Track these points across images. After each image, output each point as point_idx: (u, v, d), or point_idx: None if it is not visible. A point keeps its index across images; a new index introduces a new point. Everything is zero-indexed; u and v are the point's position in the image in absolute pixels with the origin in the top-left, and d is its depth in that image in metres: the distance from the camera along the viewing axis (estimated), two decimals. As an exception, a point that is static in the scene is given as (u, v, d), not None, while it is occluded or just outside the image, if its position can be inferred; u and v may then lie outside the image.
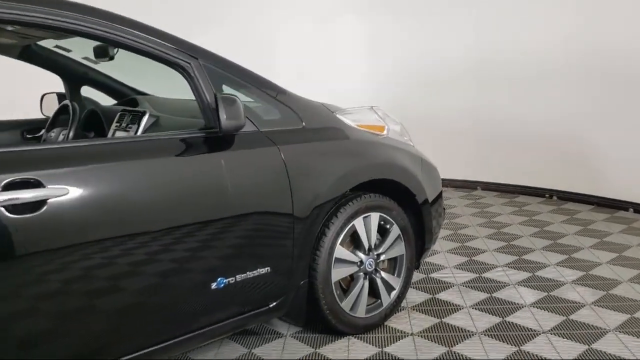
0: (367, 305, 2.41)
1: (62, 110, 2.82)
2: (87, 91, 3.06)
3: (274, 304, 2.12)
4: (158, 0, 4.96)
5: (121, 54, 2.17)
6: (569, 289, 2.83)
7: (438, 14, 5.09)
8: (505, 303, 2.68)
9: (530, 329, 2.41)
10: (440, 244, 3.59)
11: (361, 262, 2.37)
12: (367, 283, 2.39)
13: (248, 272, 1.98)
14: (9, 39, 2.43)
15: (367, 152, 2.42)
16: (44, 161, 1.57)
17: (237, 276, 1.95)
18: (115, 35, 1.74)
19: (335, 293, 2.28)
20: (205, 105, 1.91)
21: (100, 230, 1.63)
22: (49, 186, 1.52)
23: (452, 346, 2.28)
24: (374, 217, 2.38)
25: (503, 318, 2.52)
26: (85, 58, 2.82)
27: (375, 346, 2.32)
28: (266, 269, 2.03)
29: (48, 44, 2.66)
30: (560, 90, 4.51)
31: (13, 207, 1.46)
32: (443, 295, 2.79)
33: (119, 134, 2.41)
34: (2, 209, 1.45)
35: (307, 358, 2.24)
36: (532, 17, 4.60)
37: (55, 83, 3.01)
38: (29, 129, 2.97)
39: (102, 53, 2.31)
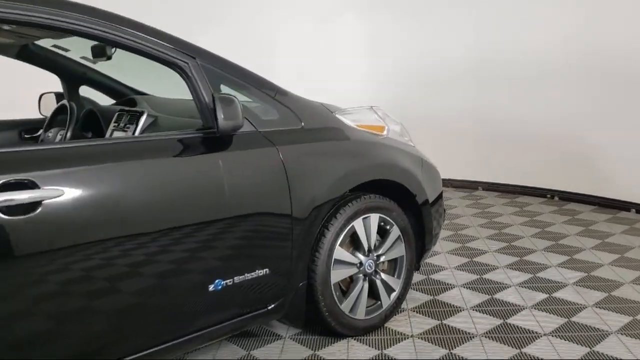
0: (367, 307, 2.39)
1: (59, 110, 2.80)
2: (86, 91, 3.05)
3: (273, 305, 2.10)
4: (158, 0, 4.96)
5: (121, 54, 2.16)
6: (570, 290, 2.81)
7: (438, 14, 5.09)
8: (506, 305, 2.66)
9: (532, 331, 2.39)
10: (441, 244, 3.57)
11: (361, 263, 2.35)
12: (366, 285, 2.37)
13: (246, 274, 1.96)
14: (6, 38, 2.41)
15: (366, 152, 2.40)
16: (39, 162, 1.56)
17: (235, 278, 1.93)
18: (112, 34, 1.72)
19: (334, 295, 2.26)
20: (203, 106, 1.89)
21: (95, 231, 1.61)
22: (43, 187, 1.51)
23: (452, 348, 2.26)
24: (374, 218, 2.36)
25: (504, 320, 2.50)
26: (84, 57, 2.80)
27: (375, 348, 2.30)
28: (264, 270, 2.01)
29: (46, 43, 2.64)
30: (561, 90, 4.50)
31: (7, 209, 1.44)
32: (443, 297, 2.77)
33: (117, 134, 2.39)
34: (-4, 210, 1.43)
35: (306, 360, 2.22)
36: (532, 17, 4.60)
37: (55, 82, 3.00)
38: (27, 129, 2.95)
39: (99, 53, 2.29)
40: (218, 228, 1.87)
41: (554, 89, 4.54)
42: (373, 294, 2.41)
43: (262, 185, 1.99)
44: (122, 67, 2.75)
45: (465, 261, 3.28)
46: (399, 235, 2.46)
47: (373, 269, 2.38)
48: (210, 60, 1.96)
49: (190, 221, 1.80)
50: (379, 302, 2.43)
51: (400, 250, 2.48)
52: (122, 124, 2.37)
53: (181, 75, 1.90)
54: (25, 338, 1.55)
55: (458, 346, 2.28)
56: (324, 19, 5.39)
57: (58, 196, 1.53)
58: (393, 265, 2.50)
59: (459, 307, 2.65)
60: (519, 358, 2.17)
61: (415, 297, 2.77)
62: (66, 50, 2.73)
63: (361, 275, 2.35)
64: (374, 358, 2.22)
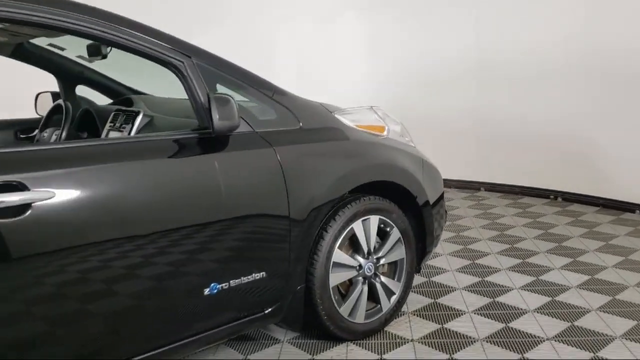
0: (366, 311, 2.35)
1: (55, 110, 2.77)
2: (83, 91, 3.02)
3: (270, 309, 2.06)
4: (158, 0, 4.95)
5: (119, 53, 2.13)
6: (573, 293, 2.77)
7: (438, 13, 5.09)
8: (508, 308, 2.61)
9: (534, 335, 2.34)
10: (442, 246, 3.53)
11: (360, 266, 2.31)
12: (366, 288, 2.32)
13: (242, 277, 1.92)
14: (0, 36, 2.38)
15: (366, 153, 2.36)
16: (29, 163, 1.52)
17: (231, 281, 1.89)
18: (105, 33, 1.69)
19: (333, 298, 2.22)
20: (199, 105, 1.86)
21: (87, 234, 1.57)
22: (33, 189, 1.47)
23: (453, 353, 2.22)
24: (374, 220, 2.32)
25: (506, 324, 2.46)
26: (80, 57, 2.77)
27: (375, 352, 2.26)
28: (261, 273, 1.97)
29: (41, 42, 2.61)
30: (562, 90, 4.49)
31: (-5, 211, 1.41)
32: (444, 300, 2.73)
33: (112, 134, 2.36)
34: (-16, 213, 1.39)
35: (304, 365, 2.18)
36: (532, 17, 4.59)
37: (54, 82, 2.97)
38: (22, 129, 2.93)
39: (95, 52, 2.26)
40: (213, 230, 1.83)
41: (555, 89, 4.52)
42: (373, 297, 2.37)
43: (259, 187, 1.95)
44: (120, 66, 2.72)
45: (467, 263, 3.24)
46: (399, 238, 2.42)
47: (373, 271, 2.34)
48: (206, 59, 1.92)
49: (184, 223, 1.76)
50: (379, 305, 2.39)
51: (400, 253, 2.44)
52: (117, 124, 2.34)
53: (176, 75, 1.87)
54: (15, 342, 1.51)
55: (459, 351, 2.24)
56: (324, 19, 5.38)
57: (48, 198, 1.49)
58: (393, 268, 2.46)
59: (461, 310, 2.61)
60: (522, 363, 2.13)
61: (416, 300, 2.73)
62: (62, 49, 2.70)
63: (360, 278, 2.31)
64: (374, 363, 2.18)
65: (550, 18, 4.47)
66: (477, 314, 2.57)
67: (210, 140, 1.86)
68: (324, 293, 2.18)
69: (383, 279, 2.40)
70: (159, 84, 2.77)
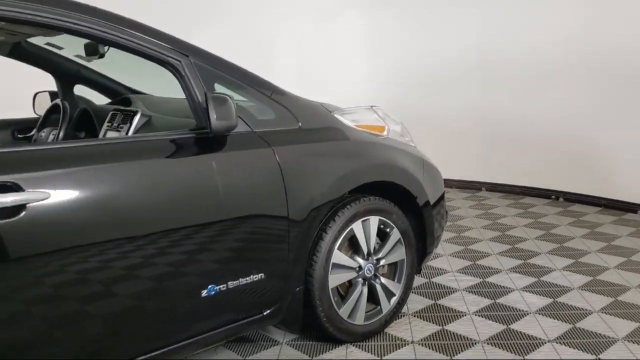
0: (366, 312, 2.32)
1: (53, 110, 2.75)
2: (82, 90, 3.00)
3: (269, 311, 2.04)
4: (158, 0, 4.94)
5: (118, 52, 2.11)
6: (575, 295, 2.74)
7: (438, 13, 5.07)
8: (510, 310, 2.59)
9: (535, 337, 2.32)
10: (443, 246, 3.51)
11: (360, 267, 2.28)
12: (366, 289, 2.30)
13: (240, 279, 1.90)
14: (-2, 36, 2.37)
15: (366, 153, 2.34)
16: (24, 164, 1.50)
17: (228, 283, 1.87)
18: (102, 32, 1.67)
19: (332, 300, 2.20)
20: (196, 105, 1.83)
21: (83, 235, 1.56)
22: (28, 190, 1.45)
23: (453, 355, 2.20)
24: (373, 221, 2.30)
25: (507, 325, 2.43)
26: (78, 56, 2.75)
27: (374, 354, 2.24)
28: (260, 275, 1.95)
29: (39, 41, 2.59)
30: (562, 90, 4.47)
31: (-10, 212, 1.39)
32: (445, 301, 2.71)
33: (110, 134, 2.34)
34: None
35: (303, 367, 2.17)
36: (533, 17, 4.58)
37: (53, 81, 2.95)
38: (20, 129, 2.91)
39: (92, 51, 2.24)
40: (211, 231, 1.81)
41: (555, 89, 4.50)
42: (372, 298, 2.35)
43: (257, 187, 1.93)
44: (120, 65, 2.70)
45: (468, 264, 3.21)
46: (399, 238, 2.40)
47: (372, 273, 2.32)
48: (203, 59, 1.90)
49: (181, 225, 1.74)
50: (379, 307, 2.37)
51: (400, 254, 2.42)
52: (115, 124, 2.32)
53: (174, 74, 1.85)
54: (10, 344, 1.49)
55: (460, 353, 2.22)
56: (324, 19, 5.36)
57: (44, 199, 1.47)
58: (393, 269, 2.44)
59: (461, 312, 2.59)
60: (523, 366, 2.11)
61: (416, 302, 2.71)
62: (60, 48, 2.68)
63: (360, 279, 2.29)
64: (373, 365, 2.16)
65: (550, 18, 4.46)
66: (478, 315, 2.54)
67: (208, 140, 1.84)
68: (323, 294, 2.16)
69: (383, 280, 2.37)
70: (158, 83, 2.75)
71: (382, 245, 2.36)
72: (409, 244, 2.44)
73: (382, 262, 2.36)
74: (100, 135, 2.38)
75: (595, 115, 4.31)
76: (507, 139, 4.86)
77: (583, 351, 2.20)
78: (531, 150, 4.73)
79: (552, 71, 4.49)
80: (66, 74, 2.83)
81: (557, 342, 2.27)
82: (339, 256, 2.20)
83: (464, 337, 2.34)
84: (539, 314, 2.54)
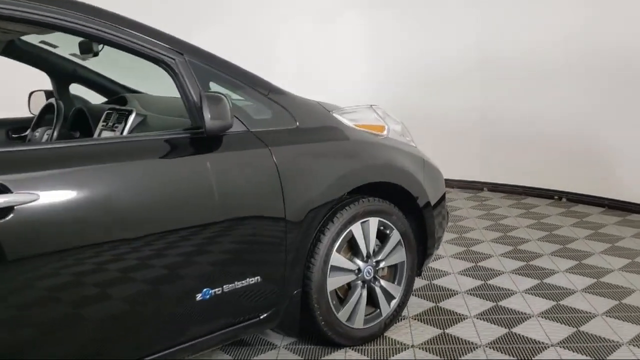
0: (366, 316, 2.28)
1: (47, 109, 2.72)
2: (78, 89, 2.96)
3: (266, 315, 2.00)
4: (158, 0, 4.93)
5: (114, 51, 2.08)
6: (579, 297, 2.69)
7: (438, 13, 5.05)
8: (512, 313, 2.54)
9: (538, 341, 2.27)
10: (444, 248, 3.46)
11: (359, 270, 2.24)
12: (365, 292, 2.26)
13: (236, 282, 1.85)
14: (-9, 34, 2.33)
15: (365, 153, 2.30)
16: (13, 165, 1.46)
17: (224, 286, 1.83)
18: (95, 29, 1.63)
19: (331, 303, 2.15)
20: (191, 104, 1.79)
21: (74, 237, 1.52)
22: (16, 192, 1.41)
23: (455, 359, 2.16)
24: (373, 222, 2.25)
25: (509, 329, 2.39)
26: (73, 54, 2.71)
27: (374, 358, 2.19)
28: (256, 278, 1.91)
29: (33, 39, 2.55)
30: (563, 90, 4.45)
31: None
32: (446, 304, 2.66)
33: (105, 133, 2.31)
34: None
35: (301, 372, 2.12)
36: (533, 17, 4.55)
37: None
38: (14, 128, 2.87)
39: (86, 49, 2.20)
40: (206, 234, 1.77)
41: (556, 89, 4.48)
42: (372, 301, 2.31)
43: (254, 188, 1.89)
44: (117, 64, 2.67)
45: (470, 266, 3.17)
46: (400, 240, 2.35)
47: (372, 275, 2.28)
48: (199, 57, 1.86)
49: (176, 226, 1.70)
50: (378, 310, 2.32)
51: (400, 256, 2.37)
52: (110, 123, 2.29)
53: (168, 72, 1.81)
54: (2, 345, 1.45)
55: (461, 357, 2.17)
56: (324, 19, 5.35)
57: (32, 201, 1.43)
58: (393, 271, 2.39)
59: (463, 315, 2.54)
60: (526, 370, 2.06)
61: (417, 304, 2.66)
62: (54, 46, 2.64)
63: (359, 282, 2.25)
64: (373, 369, 2.12)
65: (550, 18, 4.44)
66: (480, 318, 2.50)
67: (203, 140, 1.80)
68: (321, 298, 2.12)
69: (383, 282, 2.33)
70: (156, 81, 2.71)
71: (381, 247, 2.32)
72: (409, 246, 2.39)
73: (381, 265, 2.32)
74: (95, 135, 2.34)
75: (595, 115, 4.29)
76: (508, 139, 4.84)
77: (587, 355, 2.15)
78: (531, 150, 4.71)
79: (552, 71, 4.47)
80: (61, 72, 2.80)
81: (560, 346, 2.23)
82: (337, 258, 2.16)
83: (465, 340, 2.30)
84: (542, 317, 2.49)
